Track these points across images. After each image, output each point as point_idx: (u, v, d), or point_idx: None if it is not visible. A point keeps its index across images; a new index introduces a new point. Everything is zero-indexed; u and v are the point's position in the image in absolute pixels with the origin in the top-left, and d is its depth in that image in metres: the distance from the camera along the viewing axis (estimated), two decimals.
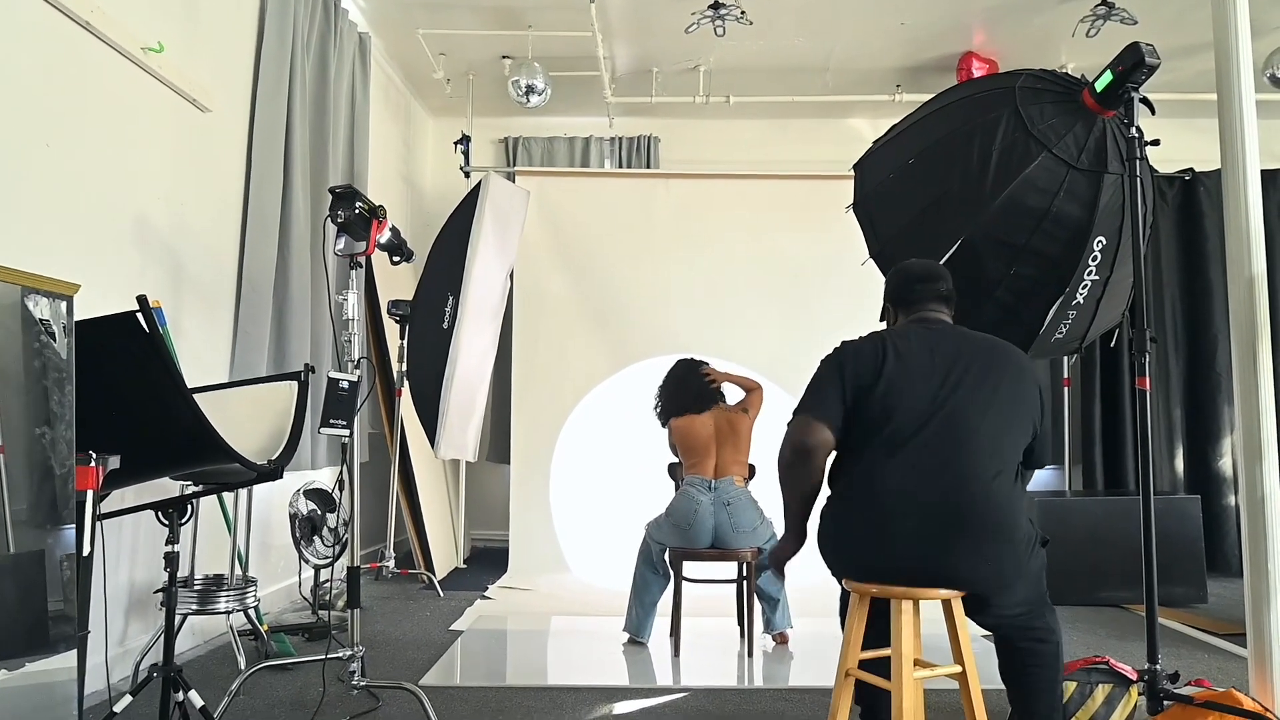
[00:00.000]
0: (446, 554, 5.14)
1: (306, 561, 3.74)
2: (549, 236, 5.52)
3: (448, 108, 6.16)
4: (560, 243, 5.53)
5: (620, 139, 6.32)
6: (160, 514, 2.25)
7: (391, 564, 4.51)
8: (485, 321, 4.64)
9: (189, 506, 2.28)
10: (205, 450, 2.01)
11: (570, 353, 5.44)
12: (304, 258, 3.95)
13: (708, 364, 3.76)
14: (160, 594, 2.25)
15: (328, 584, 3.93)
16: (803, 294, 5.46)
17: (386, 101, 5.57)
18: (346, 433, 2.52)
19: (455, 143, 5.72)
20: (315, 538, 3.77)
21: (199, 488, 2.69)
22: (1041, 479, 6.25)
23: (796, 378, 5.48)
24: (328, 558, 3.76)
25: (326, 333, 4.13)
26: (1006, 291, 2.72)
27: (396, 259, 2.88)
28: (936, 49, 5.42)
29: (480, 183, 4.66)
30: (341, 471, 2.57)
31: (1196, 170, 5.64)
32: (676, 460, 3.72)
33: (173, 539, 2.22)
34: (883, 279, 2.40)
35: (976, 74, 5.41)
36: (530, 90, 5.10)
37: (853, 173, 3.17)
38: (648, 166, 6.22)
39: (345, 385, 2.54)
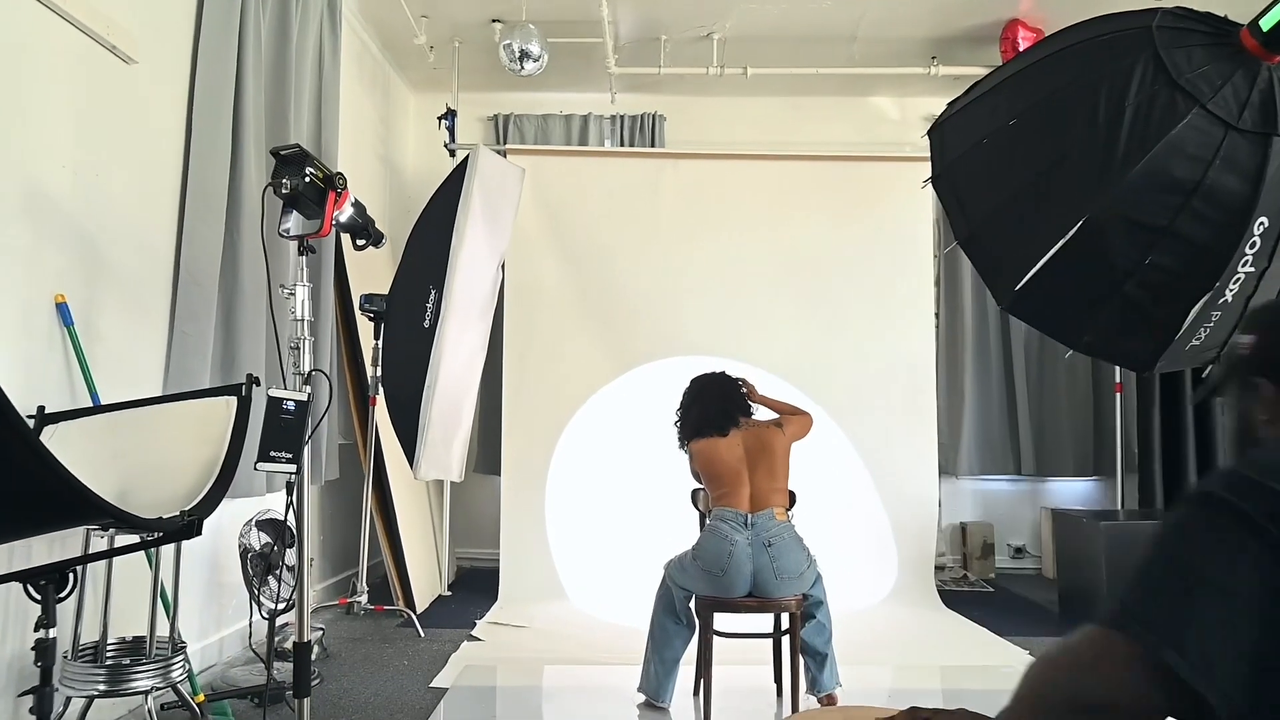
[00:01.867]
0: (429, 580, 4.54)
1: (260, 605, 3.14)
2: (544, 223, 4.92)
3: (431, 81, 5.53)
4: (557, 230, 4.93)
5: (622, 117, 5.72)
6: (30, 587, 1.65)
7: (364, 599, 3.91)
8: (473, 319, 4.03)
9: (70, 577, 1.67)
10: (68, 507, 1.41)
11: (568, 354, 4.86)
12: (257, 245, 3.31)
13: (744, 380, 3.17)
14: (29, 696, 1.64)
15: (285, 627, 3.34)
16: (826, 287, 4.92)
17: (360, 71, 4.94)
18: (292, 469, 1.93)
19: (439, 118, 5.11)
20: (270, 577, 3.17)
21: (104, 536, 2.09)
22: (1084, 493, 5.73)
23: (819, 381, 4.91)
24: (285, 600, 3.16)
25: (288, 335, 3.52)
26: (1138, 287, 2.14)
27: (361, 242, 2.28)
28: (978, 16, 4.84)
29: (467, 158, 4.05)
30: (288, 515, 1.98)
31: None
32: (699, 487, 3.15)
33: (46, 622, 1.62)
34: (967, 267, 1.78)
35: (1022, 45, 4.84)
36: (525, 56, 4.49)
37: (927, 139, 2.59)
38: (652, 147, 5.63)
39: (291, 406, 1.95)
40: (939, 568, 5.47)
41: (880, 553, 4.79)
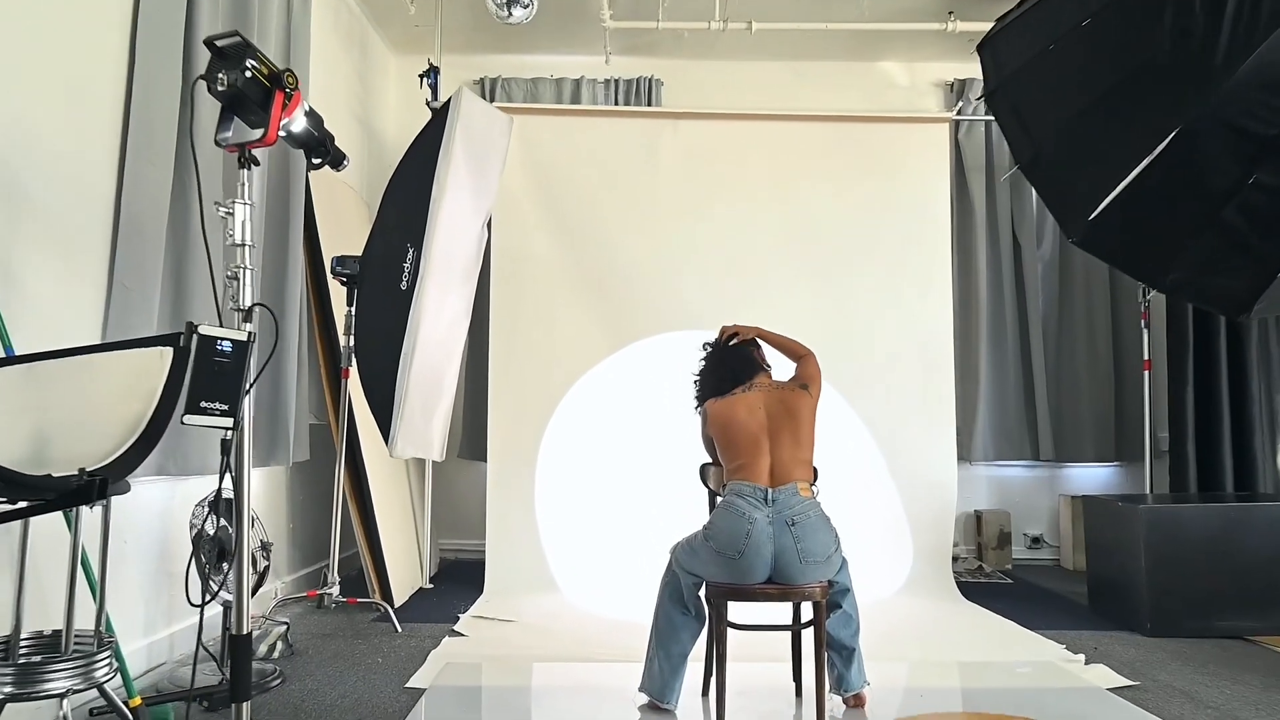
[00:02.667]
0: (408, 572, 4.19)
1: (213, 595, 2.78)
2: (533, 187, 4.58)
3: (413, 41, 5.18)
4: (547, 195, 4.59)
5: (617, 80, 5.37)
6: None
7: (336, 591, 3.55)
8: (455, 282, 3.67)
9: None
10: None
11: (559, 329, 4.52)
12: (214, 192, 2.97)
13: (732, 331, 2.86)
14: None
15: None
16: (836, 258, 4.62)
17: (336, 23, 4.58)
18: (227, 423, 1.58)
19: (421, 75, 4.74)
20: (224, 564, 2.82)
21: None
22: (1105, 480, 5.42)
23: (829, 358, 4.61)
24: (223, 585, 2.79)
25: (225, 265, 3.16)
26: (1238, 211, 1.81)
27: (317, 159, 1.92)
28: None
29: (450, 100, 3.68)
30: (222, 483, 1.63)
31: None
32: (710, 461, 2.81)
33: None
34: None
35: None
36: (513, 2, 4.14)
37: (977, 55, 2.25)
38: None
39: (227, 347, 1.60)
40: (953, 559, 5.16)
41: (895, 541, 4.47)
